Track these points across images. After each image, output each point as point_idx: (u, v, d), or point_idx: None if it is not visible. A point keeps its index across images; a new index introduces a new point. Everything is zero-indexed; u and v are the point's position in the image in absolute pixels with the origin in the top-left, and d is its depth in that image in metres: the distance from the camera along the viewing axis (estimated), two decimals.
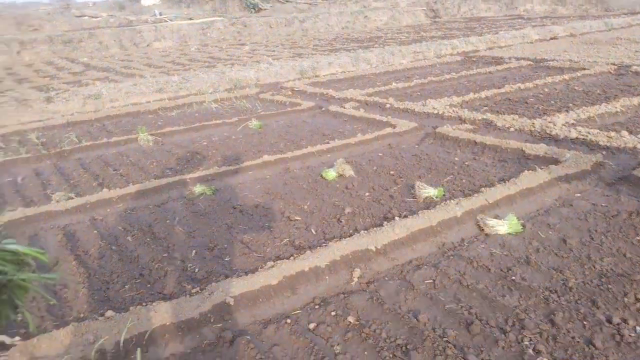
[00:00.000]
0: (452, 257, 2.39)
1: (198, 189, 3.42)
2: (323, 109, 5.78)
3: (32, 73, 10.29)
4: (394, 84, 6.89)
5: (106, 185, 3.71)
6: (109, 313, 2.01)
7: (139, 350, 1.77)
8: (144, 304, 2.09)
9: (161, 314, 1.96)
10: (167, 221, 3.00)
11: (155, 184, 3.52)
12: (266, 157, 3.98)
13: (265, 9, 22.50)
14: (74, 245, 2.78)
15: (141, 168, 4.07)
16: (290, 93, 6.90)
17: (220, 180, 3.63)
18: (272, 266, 2.31)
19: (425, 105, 5.42)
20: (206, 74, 7.97)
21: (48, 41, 14.09)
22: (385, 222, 2.71)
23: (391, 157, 3.96)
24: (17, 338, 1.90)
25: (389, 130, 4.60)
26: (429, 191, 3.11)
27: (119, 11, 22.42)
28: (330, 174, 3.58)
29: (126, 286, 2.31)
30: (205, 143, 4.67)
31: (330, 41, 14.05)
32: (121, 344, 1.82)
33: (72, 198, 3.37)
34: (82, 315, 2.12)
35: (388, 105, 5.62)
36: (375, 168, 3.73)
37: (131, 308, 2.02)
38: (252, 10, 22.21)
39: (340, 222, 2.87)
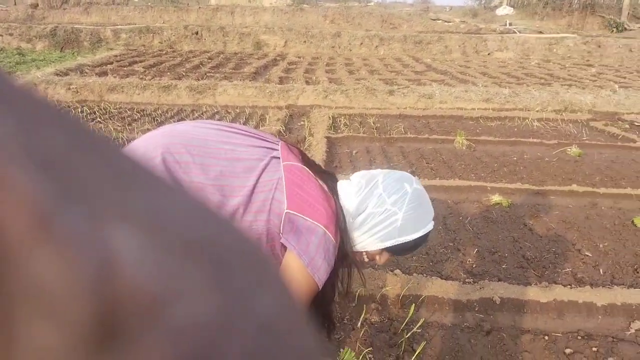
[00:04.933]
0: None
1: (495, 198, 3.64)
2: None
3: (382, 66, 11.97)
4: None
5: (417, 174, 4.28)
6: (397, 271, 2.50)
7: (413, 305, 2.19)
8: (424, 274, 2.51)
9: (436, 286, 2.35)
10: (460, 218, 3.35)
11: (457, 183, 3.90)
12: (574, 187, 3.87)
13: (630, 30, 19.93)
14: None
15: (450, 167, 4.51)
16: (627, 126, 6.24)
17: (518, 196, 3.75)
18: (546, 287, 2.41)
19: None
20: (538, 92, 7.86)
21: (402, 40, 15.97)
22: None
23: None
24: None
25: None
26: None
27: (472, 18, 23.43)
28: None
29: (414, 258, 2.78)
30: (515, 158, 4.79)
31: None
32: (400, 297, 2.29)
33: None
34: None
35: None
36: None
37: (414, 274, 2.47)
38: (614, 29, 19.93)
39: (637, 272, 2.68)
